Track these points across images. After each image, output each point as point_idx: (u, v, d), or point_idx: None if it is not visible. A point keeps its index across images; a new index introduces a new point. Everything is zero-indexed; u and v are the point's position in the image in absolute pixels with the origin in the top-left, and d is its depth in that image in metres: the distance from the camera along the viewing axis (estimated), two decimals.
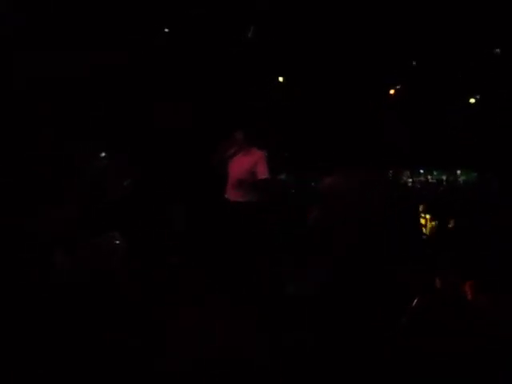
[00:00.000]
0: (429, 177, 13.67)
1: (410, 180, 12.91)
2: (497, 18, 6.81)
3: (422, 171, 13.65)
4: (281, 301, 4.03)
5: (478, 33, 7.14)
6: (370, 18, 7.22)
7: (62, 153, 5.50)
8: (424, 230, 6.79)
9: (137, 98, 6.88)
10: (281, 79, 8.94)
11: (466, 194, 9.14)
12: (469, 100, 9.26)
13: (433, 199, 8.40)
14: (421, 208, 7.15)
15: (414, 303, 3.67)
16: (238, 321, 3.66)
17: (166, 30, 7.30)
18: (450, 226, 6.46)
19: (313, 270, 4.37)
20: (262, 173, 4.52)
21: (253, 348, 3.26)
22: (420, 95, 8.82)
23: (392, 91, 9.57)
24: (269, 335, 3.43)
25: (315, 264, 4.44)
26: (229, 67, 7.69)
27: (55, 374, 2.79)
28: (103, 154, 6.64)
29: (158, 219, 5.92)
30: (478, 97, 9.36)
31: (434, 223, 6.78)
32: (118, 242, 4.64)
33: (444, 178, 13.39)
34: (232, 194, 4.63)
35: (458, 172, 13.26)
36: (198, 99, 7.29)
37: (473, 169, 11.93)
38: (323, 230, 4.72)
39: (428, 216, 6.90)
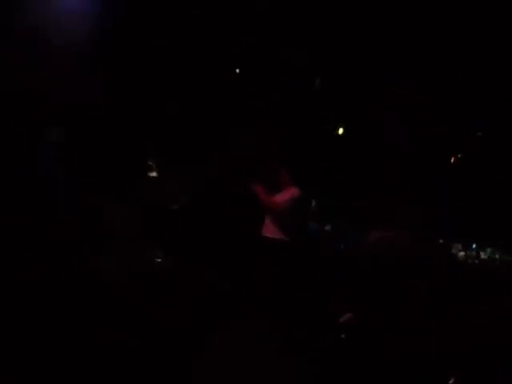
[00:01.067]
0: (481, 253, 13.11)
1: (462, 253, 12.54)
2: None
3: (474, 246, 13.06)
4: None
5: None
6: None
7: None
8: None
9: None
10: (341, 131, 9.08)
11: None
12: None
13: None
14: None
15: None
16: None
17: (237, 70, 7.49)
18: None
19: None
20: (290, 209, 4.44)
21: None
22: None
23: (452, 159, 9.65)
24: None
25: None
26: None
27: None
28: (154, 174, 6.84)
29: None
30: None
31: None
32: (159, 260, 4.74)
33: (497, 256, 12.85)
34: (269, 230, 4.54)
35: None
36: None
37: None
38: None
39: None
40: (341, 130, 9.28)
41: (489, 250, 13.06)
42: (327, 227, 10.02)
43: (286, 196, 4.39)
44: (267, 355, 3.17)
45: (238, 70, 7.89)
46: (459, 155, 9.92)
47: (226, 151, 7.29)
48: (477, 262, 12.67)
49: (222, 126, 7.67)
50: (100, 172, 5.48)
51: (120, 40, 6.27)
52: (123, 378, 2.86)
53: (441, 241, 10.51)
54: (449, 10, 6.92)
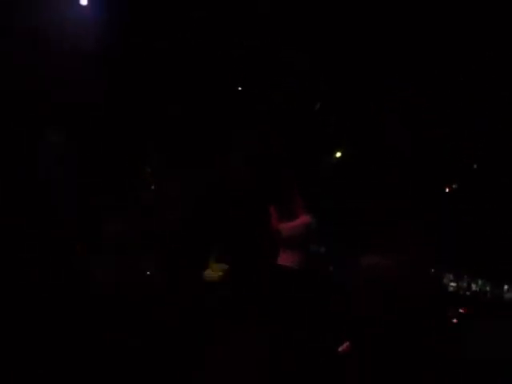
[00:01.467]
0: (473, 285, 13.14)
1: (454, 284, 12.56)
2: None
3: (466, 277, 13.06)
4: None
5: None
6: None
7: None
8: None
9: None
10: (339, 154, 9.09)
11: None
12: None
13: None
14: None
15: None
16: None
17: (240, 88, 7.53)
18: None
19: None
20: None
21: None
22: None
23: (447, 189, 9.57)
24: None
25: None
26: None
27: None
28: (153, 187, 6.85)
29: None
30: None
31: None
32: (148, 273, 4.75)
33: (488, 289, 12.89)
34: (283, 259, 4.53)
35: (506, 287, 12.55)
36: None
37: None
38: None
39: None
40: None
41: (480, 281, 13.07)
42: (322, 249, 9.89)
43: (295, 223, 4.37)
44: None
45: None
46: (454, 186, 9.85)
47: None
48: (468, 293, 12.69)
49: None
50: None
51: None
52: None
53: (432, 270, 10.42)
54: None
